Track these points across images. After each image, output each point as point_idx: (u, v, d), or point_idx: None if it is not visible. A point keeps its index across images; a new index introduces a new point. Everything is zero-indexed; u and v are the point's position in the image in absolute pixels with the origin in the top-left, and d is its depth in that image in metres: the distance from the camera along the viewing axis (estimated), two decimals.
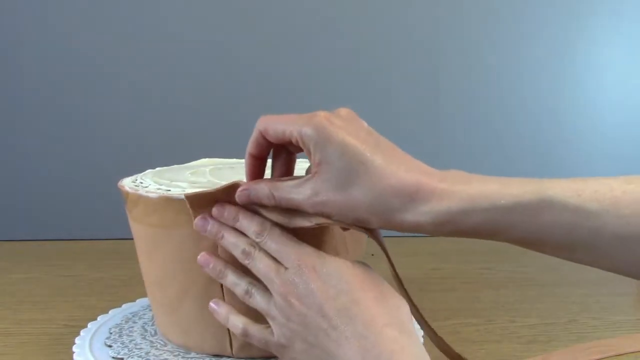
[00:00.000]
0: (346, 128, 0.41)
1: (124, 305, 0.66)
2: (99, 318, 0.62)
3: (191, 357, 0.52)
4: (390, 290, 0.43)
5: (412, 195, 0.40)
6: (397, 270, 0.47)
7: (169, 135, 1.04)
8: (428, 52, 1.06)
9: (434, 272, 0.84)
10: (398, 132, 1.01)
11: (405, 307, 0.42)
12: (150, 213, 0.50)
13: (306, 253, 0.43)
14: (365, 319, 0.40)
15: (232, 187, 0.45)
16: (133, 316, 0.62)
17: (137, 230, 0.53)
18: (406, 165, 0.41)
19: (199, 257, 0.47)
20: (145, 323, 0.60)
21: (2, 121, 1.03)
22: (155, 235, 0.51)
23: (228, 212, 0.45)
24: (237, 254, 0.45)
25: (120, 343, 0.55)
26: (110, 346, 0.55)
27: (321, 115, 0.42)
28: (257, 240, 0.44)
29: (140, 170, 0.60)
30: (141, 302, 0.67)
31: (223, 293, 0.49)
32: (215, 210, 0.46)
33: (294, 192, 0.42)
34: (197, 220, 0.46)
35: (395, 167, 0.41)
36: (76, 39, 1.02)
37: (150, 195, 0.49)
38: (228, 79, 1.04)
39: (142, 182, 0.54)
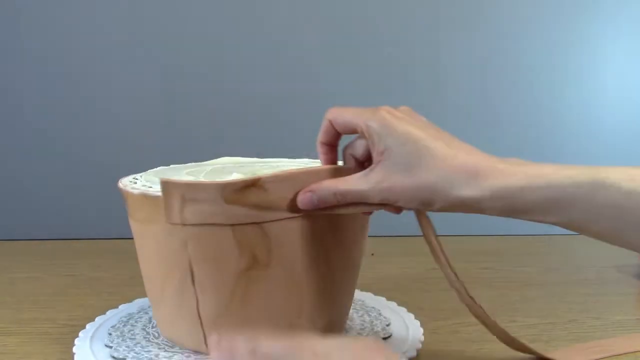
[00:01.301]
0: (407, 119, 0.46)
1: (120, 307, 0.66)
2: (96, 319, 0.62)
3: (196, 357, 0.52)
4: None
5: (473, 174, 0.43)
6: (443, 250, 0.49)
7: (169, 135, 1.04)
8: (427, 51, 1.06)
9: (434, 272, 0.84)
10: None
11: None
12: (137, 209, 0.51)
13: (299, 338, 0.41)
14: None
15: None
16: (130, 319, 0.62)
17: (131, 226, 0.54)
18: (466, 150, 0.45)
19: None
20: (145, 325, 0.60)
21: (2, 121, 1.03)
22: (140, 230, 0.52)
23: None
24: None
25: (123, 344, 0.55)
26: (110, 347, 0.55)
27: (384, 109, 0.46)
28: None
29: (141, 170, 0.60)
30: (140, 302, 0.67)
31: (195, 290, 0.49)
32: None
33: (360, 183, 0.45)
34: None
35: (457, 151, 0.44)
36: (76, 38, 1.02)
37: (134, 192, 0.50)
38: (230, 78, 1.04)
39: (136, 180, 0.54)
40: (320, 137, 0.50)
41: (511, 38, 1.06)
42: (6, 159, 1.04)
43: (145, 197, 0.49)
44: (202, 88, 1.04)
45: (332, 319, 0.54)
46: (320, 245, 0.50)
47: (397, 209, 0.48)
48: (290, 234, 0.48)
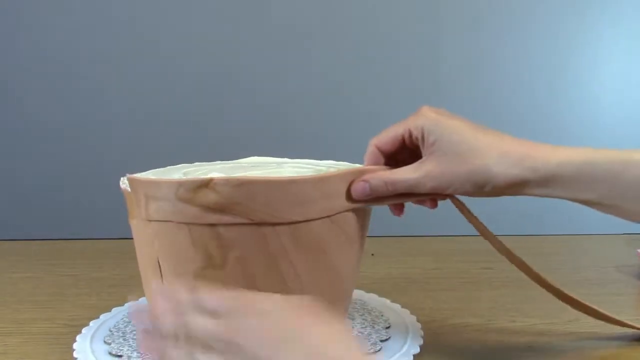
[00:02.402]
0: (450, 115, 0.50)
1: (113, 310, 0.65)
2: (96, 319, 0.62)
3: None
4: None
5: (520, 156, 0.48)
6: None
7: (170, 135, 1.04)
8: (427, 50, 1.06)
9: (434, 272, 0.84)
10: None
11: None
12: (129, 206, 0.52)
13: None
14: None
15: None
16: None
17: (130, 225, 0.55)
18: (510, 138, 0.49)
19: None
20: None
21: (2, 121, 1.03)
22: (131, 227, 0.53)
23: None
24: None
25: (126, 344, 0.55)
26: (109, 344, 0.55)
27: (426, 108, 0.50)
28: None
29: (140, 170, 0.60)
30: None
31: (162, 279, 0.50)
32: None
33: (411, 172, 0.49)
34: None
35: (502, 138, 0.49)
36: (76, 38, 1.02)
37: (125, 187, 0.52)
38: (231, 79, 1.04)
39: None
40: (366, 164, 0.52)
41: (511, 38, 1.06)
42: (6, 159, 1.04)
43: (127, 193, 0.51)
44: (204, 88, 1.04)
45: None
46: (283, 257, 0.48)
47: (442, 198, 0.51)
48: (246, 240, 0.47)
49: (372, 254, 0.89)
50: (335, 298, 0.54)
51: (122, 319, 0.62)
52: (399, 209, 0.54)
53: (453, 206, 0.53)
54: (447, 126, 0.48)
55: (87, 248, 0.98)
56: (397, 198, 0.51)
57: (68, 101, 1.03)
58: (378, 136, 0.52)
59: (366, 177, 0.50)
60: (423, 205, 0.54)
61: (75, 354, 0.53)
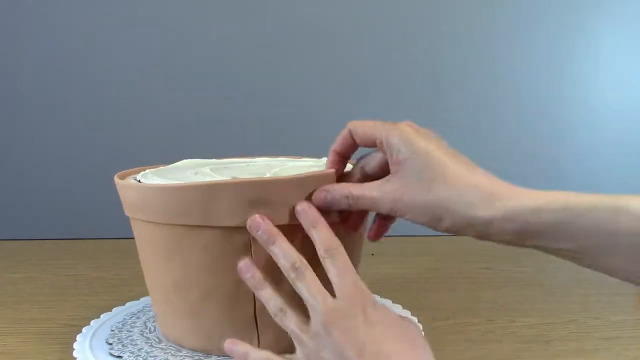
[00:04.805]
0: (428, 137, 0.45)
1: (114, 310, 0.65)
2: (96, 319, 0.62)
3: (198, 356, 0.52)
4: (426, 350, 0.43)
5: (488, 193, 0.42)
6: None
7: (169, 134, 1.04)
8: (426, 49, 1.06)
9: (434, 272, 0.84)
10: None
11: None
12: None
13: (361, 289, 0.44)
14: None
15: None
16: (131, 317, 0.62)
17: (151, 232, 0.51)
18: (482, 172, 0.44)
19: (240, 263, 0.47)
20: (143, 328, 0.60)
21: (2, 121, 1.03)
22: (177, 235, 0.49)
23: (313, 215, 0.47)
24: (285, 264, 0.45)
25: (129, 344, 0.55)
26: (110, 344, 0.55)
27: (406, 123, 0.46)
28: (325, 255, 0.45)
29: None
30: (141, 302, 0.67)
31: (254, 294, 0.48)
32: (301, 207, 0.47)
33: (373, 189, 0.46)
34: (255, 218, 0.46)
35: (472, 171, 0.44)
36: (76, 39, 1.02)
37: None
38: (230, 78, 1.04)
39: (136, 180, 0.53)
40: (336, 146, 0.49)
41: (511, 38, 1.06)
42: (6, 159, 1.04)
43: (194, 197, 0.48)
44: (204, 88, 1.04)
45: None
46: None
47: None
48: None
49: (372, 254, 0.89)
50: None
51: (124, 318, 0.62)
52: (376, 232, 0.53)
53: None
54: (418, 147, 0.44)
55: (87, 248, 0.98)
56: (363, 213, 0.49)
57: (68, 101, 1.03)
58: (356, 126, 0.48)
59: (328, 187, 0.48)
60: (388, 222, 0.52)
61: (75, 354, 0.53)
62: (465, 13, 1.06)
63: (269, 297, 0.46)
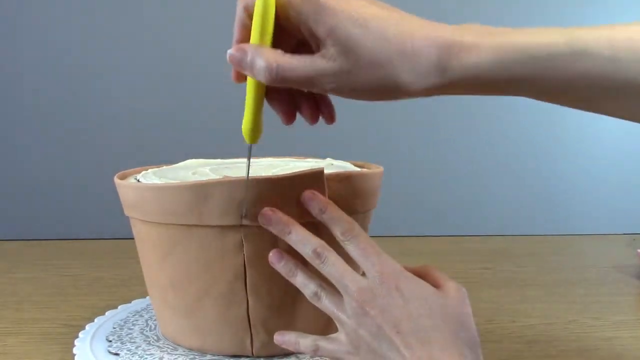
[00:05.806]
0: None
1: (120, 307, 0.66)
2: (96, 319, 0.62)
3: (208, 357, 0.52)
4: (469, 324, 0.43)
5: (435, 58, 0.37)
6: None
7: (169, 134, 1.04)
8: None
9: None
10: (398, 136, 1.01)
11: (478, 344, 0.42)
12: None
13: (389, 266, 0.43)
14: (442, 346, 0.40)
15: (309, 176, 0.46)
16: (134, 315, 0.62)
17: (149, 232, 0.51)
18: (420, 24, 0.39)
19: (270, 253, 0.46)
20: (143, 327, 0.60)
21: (2, 121, 1.03)
22: (173, 235, 0.49)
23: (319, 203, 0.45)
24: (307, 252, 0.44)
25: (130, 343, 0.55)
26: (110, 341, 0.55)
27: None
28: (343, 239, 0.44)
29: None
30: (140, 302, 0.67)
31: (247, 292, 0.49)
32: (307, 196, 0.46)
33: (307, 65, 0.37)
34: (265, 212, 0.45)
35: (412, 28, 0.39)
36: (76, 39, 1.02)
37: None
38: (230, 78, 1.04)
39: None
40: (237, 35, 0.41)
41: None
42: (6, 159, 1.04)
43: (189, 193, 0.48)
44: (204, 87, 1.04)
45: None
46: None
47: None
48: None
49: None
50: None
51: (127, 316, 0.62)
52: (288, 115, 0.47)
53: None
54: (345, 16, 0.36)
55: (87, 248, 0.98)
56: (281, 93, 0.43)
57: (68, 101, 1.03)
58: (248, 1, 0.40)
59: (244, 45, 0.38)
60: (302, 115, 0.46)
61: (75, 350, 0.54)
62: (465, 13, 1.06)
63: (303, 284, 0.45)
